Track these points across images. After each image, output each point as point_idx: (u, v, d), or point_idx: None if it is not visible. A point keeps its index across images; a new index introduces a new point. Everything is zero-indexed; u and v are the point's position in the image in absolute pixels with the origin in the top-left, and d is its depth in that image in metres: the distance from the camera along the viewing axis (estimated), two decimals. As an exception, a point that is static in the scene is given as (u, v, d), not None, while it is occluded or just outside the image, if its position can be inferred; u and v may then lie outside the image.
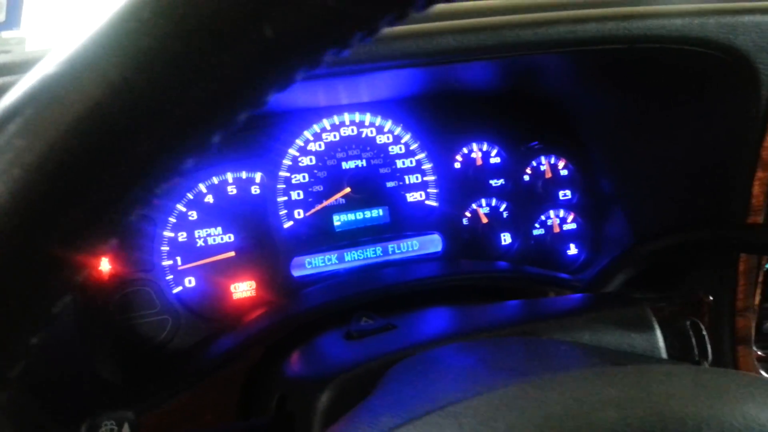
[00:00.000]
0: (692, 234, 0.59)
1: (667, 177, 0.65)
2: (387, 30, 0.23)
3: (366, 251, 0.70)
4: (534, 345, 0.42)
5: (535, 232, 0.75)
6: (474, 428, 0.24)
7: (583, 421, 0.23)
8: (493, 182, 0.74)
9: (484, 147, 0.74)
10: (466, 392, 0.29)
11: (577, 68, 0.66)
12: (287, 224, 0.67)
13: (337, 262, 0.69)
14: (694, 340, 0.51)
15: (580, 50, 0.54)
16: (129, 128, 0.17)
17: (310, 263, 0.68)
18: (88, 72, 0.17)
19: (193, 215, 0.64)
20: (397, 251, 0.71)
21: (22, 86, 0.17)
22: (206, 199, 0.64)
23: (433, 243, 0.72)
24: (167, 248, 0.63)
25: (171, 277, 0.63)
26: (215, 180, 0.65)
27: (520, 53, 0.52)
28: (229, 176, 0.65)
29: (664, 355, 0.45)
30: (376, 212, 0.70)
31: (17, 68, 0.45)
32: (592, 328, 0.45)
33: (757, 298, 0.63)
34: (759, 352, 0.65)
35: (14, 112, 0.17)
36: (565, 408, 0.24)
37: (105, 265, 0.60)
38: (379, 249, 0.70)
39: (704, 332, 0.51)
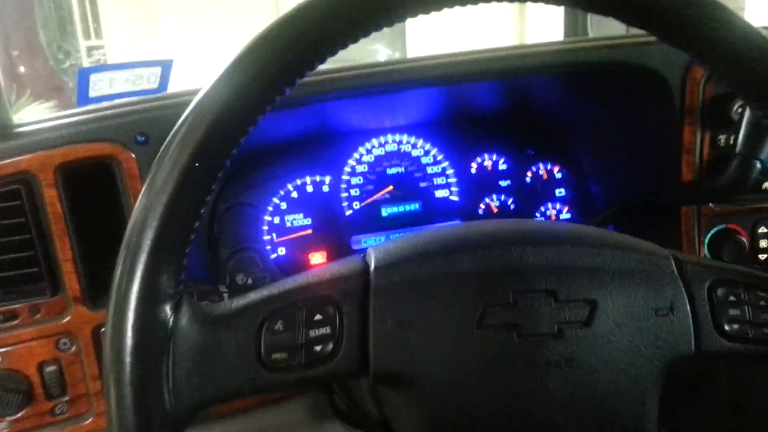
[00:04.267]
0: (630, 200, 0.81)
1: (629, 170, 0.88)
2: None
3: (405, 233, 0.95)
4: None
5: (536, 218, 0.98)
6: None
7: None
8: (502, 183, 0.98)
9: (494, 157, 0.98)
10: None
11: (557, 89, 0.90)
12: (348, 212, 0.94)
13: (383, 240, 0.94)
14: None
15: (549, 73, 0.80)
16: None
17: (365, 241, 0.94)
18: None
19: (283, 205, 0.92)
20: (430, 236, 0.95)
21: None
22: (292, 194, 0.92)
23: (458, 230, 0.96)
24: (266, 227, 0.90)
25: (269, 247, 0.90)
26: (298, 181, 0.92)
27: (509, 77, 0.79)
28: (308, 179, 0.93)
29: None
30: (413, 205, 0.96)
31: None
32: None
33: (702, 254, 0.83)
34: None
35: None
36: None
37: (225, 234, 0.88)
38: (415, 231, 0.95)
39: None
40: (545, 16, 4.88)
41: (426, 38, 4.85)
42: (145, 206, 0.36)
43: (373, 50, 5.09)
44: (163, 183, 0.36)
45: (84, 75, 0.97)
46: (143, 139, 0.66)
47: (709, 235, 0.80)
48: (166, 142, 0.37)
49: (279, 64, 0.35)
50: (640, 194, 0.84)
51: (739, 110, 0.75)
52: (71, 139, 0.64)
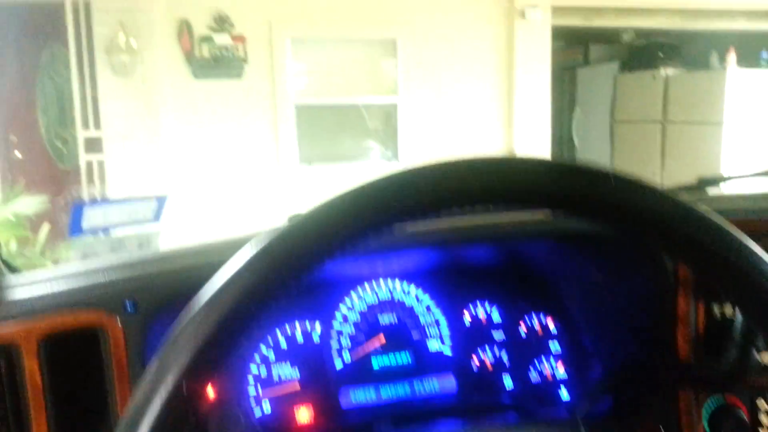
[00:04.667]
0: (628, 373, 0.80)
1: (621, 333, 0.87)
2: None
3: (397, 388, 0.92)
4: None
5: (532, 377, 0.96)
6: None
7: None
8: (495, 335, 0.96)
9: (487, 306, 0.97)
10: None
11: (549, 251, 0.91)
12: (338, 364, 0.91)
13: (374, 395, 0.91)
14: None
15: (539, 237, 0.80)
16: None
17: (355, 396, 0.90)
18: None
19: (271, 355, 0.89)
20: (421, 389, 0.92)
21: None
22: (281, 344, 0.90)
23: (449, 383, 0.93)
24: (251, 378, 0.87)
25: (253, 402, 0.86)
26: (287, 329, 0.90)
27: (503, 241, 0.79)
28: (297, 325, 0.91)
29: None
30: (404, 356, 0.94)
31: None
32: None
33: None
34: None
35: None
36: None
37: (210, 392, 0.84)
38: (407, 386, 0.92)
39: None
40: (532, 124, 5.07)
41: (417, 136, 4.99)
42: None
43: (366, 148, 5.21)
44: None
45: (78, 208, 0.96)
46: (132, 306, 0.64)
47: (708, 414, 0.78)
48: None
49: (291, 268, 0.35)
50: (636, 364, 0.82)
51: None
52: (58, 307, 0.62)
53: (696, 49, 5.66)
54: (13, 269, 0.74)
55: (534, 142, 5.06)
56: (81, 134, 4.34)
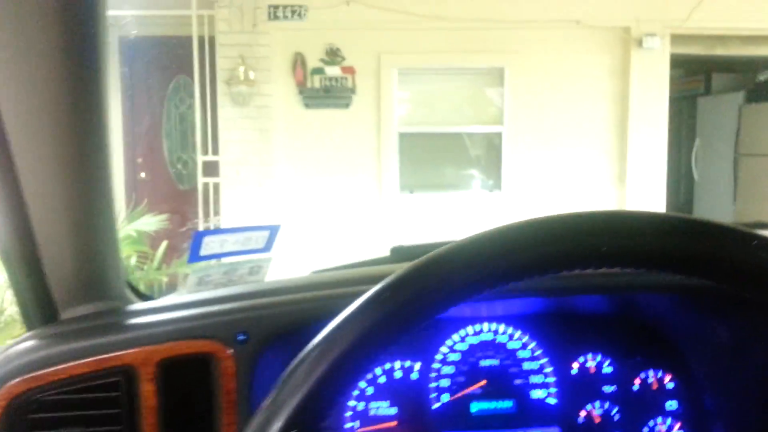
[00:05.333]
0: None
1: (749, 401, 0.78)
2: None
3: (494, 437, 0.88)
4: None
5: (645, 437, 0.89)
6: None
7: None
8: (606, 388, 0.90)
9: (598, 358, 0.92)
10: None
11: (672, 304, 0.84)
12: (436, 405, 0.89)
13: (472, 441, 0.88)
14: None
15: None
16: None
17: (451, 438, 0.88)
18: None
19: (370, 390, 0.89)
20: (522, 439, 0.88)
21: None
22: (380, 379, 0.89)
23: (553, 436, 0.89)
24: (350, 413, 0.87)
25: (350, 436, 0.86)
26: (387, 366, 0.90)
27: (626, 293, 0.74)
28: (397, 363, 0.90)
29: None
30: (506, 403, 0.90)
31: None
32: None
33: None
34: None
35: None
36: None
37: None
38: (507, 435, 0.88)
39: None
40: (647, 155, 4.81)
41: (521, 165, 4.90)
42: None
43: (468, 176, 5.17)
44: None
45: (198, 237, 1.03)
46: (244, 337, 0.66)
47: None
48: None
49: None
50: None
51: None
52: (176, 335, 0.66)
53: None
54: (139, 294, 0.80)
55: (648, 174, 4.80)
56: (200, 158, 4.65)
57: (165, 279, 3.57)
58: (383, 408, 0.88)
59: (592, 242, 0.35)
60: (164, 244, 3.52)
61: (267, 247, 1.10)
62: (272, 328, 0.66)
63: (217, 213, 4.70)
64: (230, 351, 0.66)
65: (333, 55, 4.60)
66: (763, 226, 0.88)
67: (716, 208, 5.67)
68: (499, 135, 4.87)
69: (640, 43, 4.62)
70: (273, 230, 1.09)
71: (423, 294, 0.36)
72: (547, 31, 4.65)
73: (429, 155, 4.98)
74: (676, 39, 4.71)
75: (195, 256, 1.04)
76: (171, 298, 0.74)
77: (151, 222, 3.27)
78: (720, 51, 4.97)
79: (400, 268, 0.37)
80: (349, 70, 4.62)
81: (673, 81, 5.02)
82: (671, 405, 0.90)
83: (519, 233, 0.36)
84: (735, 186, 5.54)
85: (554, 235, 0.36)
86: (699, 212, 5.79)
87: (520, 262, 0.35)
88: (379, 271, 0.82)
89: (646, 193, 4.79)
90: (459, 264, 0.36)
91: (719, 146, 5.69)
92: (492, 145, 4.97)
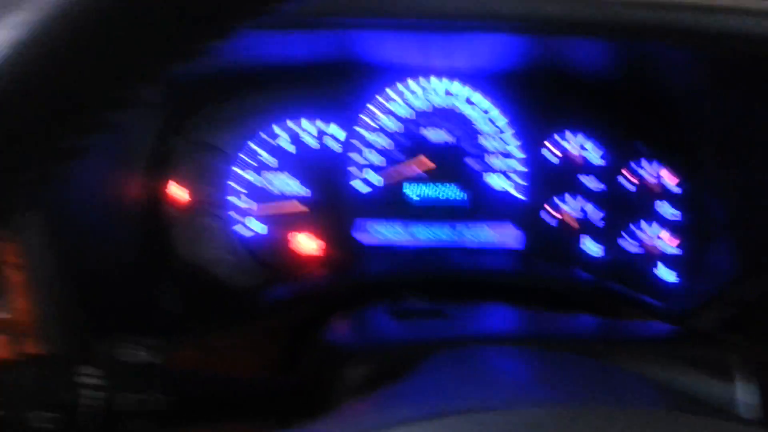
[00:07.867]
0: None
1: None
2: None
3: (439, 231, 0.66)
4: (594, 367, 0.37)
5: (626, 246, 0.68)
6: None
7: None
8: (584, 179, 0.67)
9: (579, 138, 0.67)
10: (499, 401, 0.25)
11: (702, 65, 0.58)
12: (358, 184, 0.65)
13: (404, 233, 0.66)
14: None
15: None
16: None
17: (376, 230, 0.65)
18: None
19: (266, 156, 0.63)
20: (472, 238, 0.67)
21: None
22: (280, 143, 0.63)
23: (512, 237, 0.67)
24: (238, 187, 0.62)
25: (238, 217, 0.62)
26: (290, 124, 0.63)
27: (631, 38, 0.46)
28: (309, 126, 0.63)
29: (742, 409, 0.38)
30: (455, 192, 0.66)
31: None
32: (667, 365, 0.40)
33: None
34: None
35: None
36: None
37: (177, 193, 0.60)
38: (452, 231, 0.66)
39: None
40: None
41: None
42: None
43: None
44: None
45: None
46: None
47: None
48: None
49: None
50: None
51: None
52: None
53: None
54: None
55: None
56: None
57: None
58: (291, 187, 0.63)
59: None
60: None
61: None
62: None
63: None
64: None
65: None
66: None
67: None
68: None
69: None
70: None
71: None
72: None
73: None
74: None
75: None
76: None
77: None
78: None
79: None
80: None
81: None
82: (665, 209, 0.68)
83: None
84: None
85: None
86: None
87: None
88: None
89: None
90: None
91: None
92: None
